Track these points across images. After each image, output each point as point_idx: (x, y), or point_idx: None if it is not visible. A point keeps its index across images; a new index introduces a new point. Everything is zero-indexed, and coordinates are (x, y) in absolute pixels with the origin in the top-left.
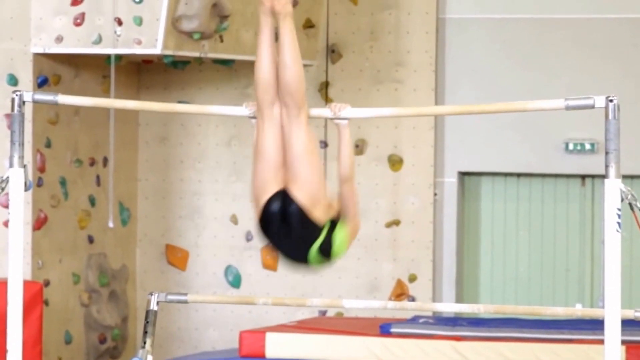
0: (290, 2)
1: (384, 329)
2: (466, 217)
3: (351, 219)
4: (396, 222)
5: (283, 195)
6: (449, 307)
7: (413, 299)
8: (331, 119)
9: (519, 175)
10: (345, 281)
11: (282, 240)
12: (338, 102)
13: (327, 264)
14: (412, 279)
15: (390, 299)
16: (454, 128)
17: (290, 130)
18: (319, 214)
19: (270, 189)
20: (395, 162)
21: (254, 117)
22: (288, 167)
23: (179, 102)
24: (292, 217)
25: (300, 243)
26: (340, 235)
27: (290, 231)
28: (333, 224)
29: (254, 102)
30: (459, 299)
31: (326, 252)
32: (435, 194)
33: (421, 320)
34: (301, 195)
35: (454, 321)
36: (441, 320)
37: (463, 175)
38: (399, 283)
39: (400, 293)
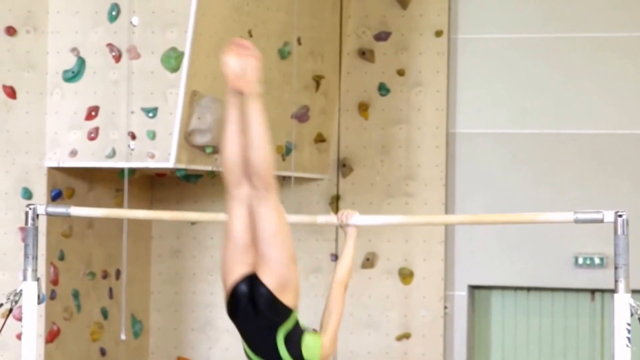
0: (256, 82)
1: None
2: (476, 331)
3: (329, 333)
4: (407, 335)
5: (251, 278)
6: None
7: None
8: (340, 226)
9: (528, 289)
10: None
11: (249, 324)
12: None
13: None
14: None
15: None
16: (464, 242)
17: (259, 212)
18: (288, 298)
19: (238, 271)
20: (405, 276)
21: None
22: (257, 249)
23: None
24: (260, 299)
25: (266, 327)
26: (311, 340)
27: (258, 314)
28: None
29: None
30: None
31: (295, 350)
32: (445, 308)
33: None
34: (270, 278)
35: None
36: None
37: (473, 288)
38: None
39: None
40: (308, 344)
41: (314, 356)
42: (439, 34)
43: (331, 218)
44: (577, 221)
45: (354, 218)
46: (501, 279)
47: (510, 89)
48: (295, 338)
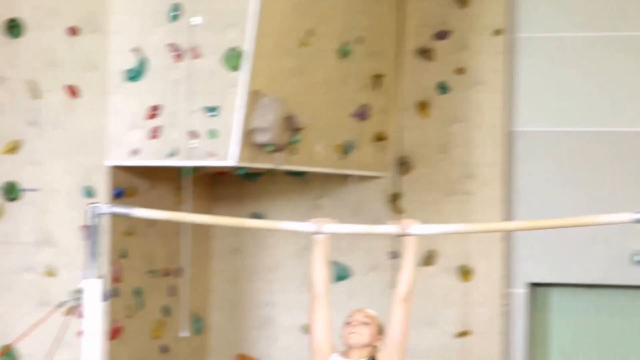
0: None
1: None
2: (536, 328)
3: (397, 345)
4: (466, 333)
5: None
6: None
7: None
8: (398, 236)
9: (588, 286)
10: None
11: None
12: (408, 214)
13: None
14: None
15: None
16: (523, 239)
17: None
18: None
19: None
20: (465, 273)
21: (318, 233)
22: None
23: (252, 213)
24: None
25: None
26: None
27: None
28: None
29: (319, 219)
30: None
31: None
32: (505, 305)
33: None
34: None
35: None
36: None
37: (533, 286)
38: None
39: None
40: None
41: None
42: (498, 32)
43: (391, 227)
44: (637, 221)
45: (414, 227)
46: (561, 277)
47: (569, 87)
48: None
